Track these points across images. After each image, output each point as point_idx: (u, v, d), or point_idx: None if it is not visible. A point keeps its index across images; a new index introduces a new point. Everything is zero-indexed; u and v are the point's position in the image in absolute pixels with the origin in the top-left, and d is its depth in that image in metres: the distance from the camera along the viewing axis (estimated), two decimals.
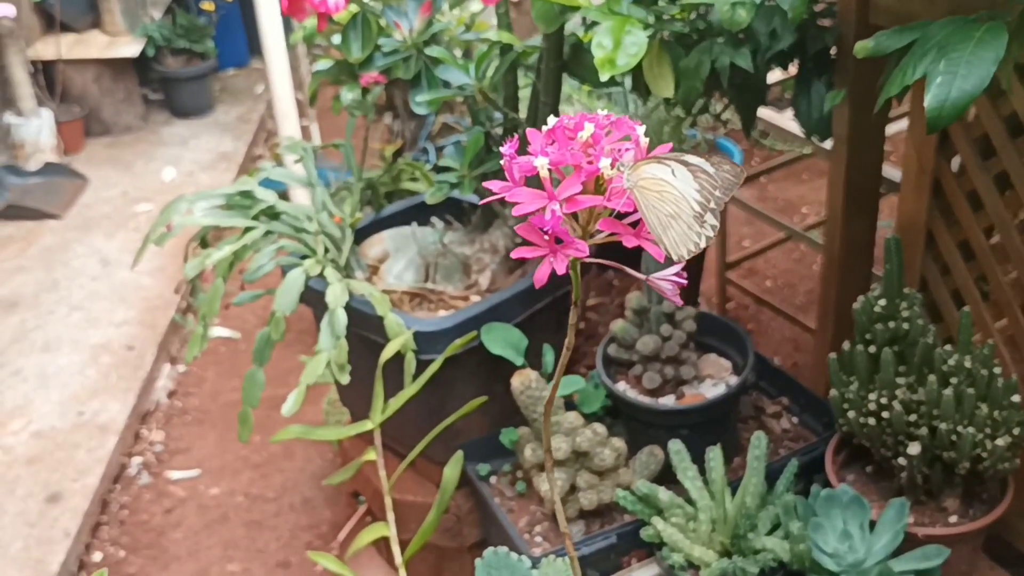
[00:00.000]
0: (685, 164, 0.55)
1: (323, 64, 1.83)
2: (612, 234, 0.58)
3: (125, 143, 3.65)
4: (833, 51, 1.45)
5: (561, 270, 0.54)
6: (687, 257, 0.57)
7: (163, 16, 3.77)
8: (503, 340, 1.46)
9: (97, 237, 3.08)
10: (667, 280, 0.58)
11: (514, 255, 0.54)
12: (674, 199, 0.55)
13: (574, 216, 0.58)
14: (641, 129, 0.57)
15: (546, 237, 0.55)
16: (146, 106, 3.81)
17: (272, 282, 1.62)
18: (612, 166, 0.55)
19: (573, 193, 0.54)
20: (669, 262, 0.58)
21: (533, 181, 0.56)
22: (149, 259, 2.88)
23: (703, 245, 0.57)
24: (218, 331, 2.76)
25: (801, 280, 2.62)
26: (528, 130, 0.57)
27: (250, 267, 1.44)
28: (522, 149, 0.57)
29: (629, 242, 0.57)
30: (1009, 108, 1.31)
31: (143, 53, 3.62)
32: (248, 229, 1.46)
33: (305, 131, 3.27)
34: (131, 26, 3.65)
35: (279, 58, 2.81)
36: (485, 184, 0.57)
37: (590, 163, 0.55)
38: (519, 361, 1.46)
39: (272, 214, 1.52)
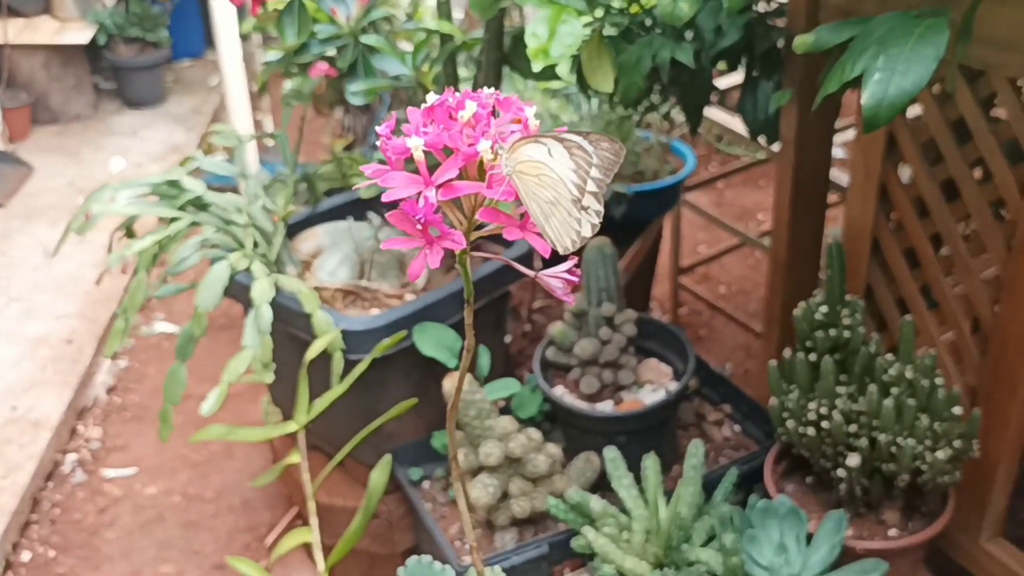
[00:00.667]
0: (561, 142, 0.50)
1: (274, 54, 1.77)
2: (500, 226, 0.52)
3: (73, 132, 3.56)
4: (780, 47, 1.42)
5: (435, 264, 0.49)
6: (571, 248, 0.52)
7: (116, 3, 3.69)
8: (436, 341, 1.41)
9: (40, 227, 3.00)
10: (557, 277, 0.53)
11: (384, 246, 0.49)
12: (552, 183, 0.50)
13: (459, 206, 0.53)
14: (531, 110, 0.52)
15: (420, 227, 0.50)
16: (97, 95, 3.72)
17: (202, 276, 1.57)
18: (492, 149, 0.50)
19: (450, 178, 0.49)
20: (560, 257, 0.53)
21: (414, 166, 0.51)
22: (93, 251, 2.81)
23: (585, 233, 0.51)
24: (160, 326, 2.69)
25: (755, 287, 2.59)
26: (409, 108, 0.52)
27: (173, 259, 1.38)
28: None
29: (512, 235, 0.52)
30: (956, 113, 1.28)
31: (94, 40, 3.53)
32: (173, 219, 1.40)
33: (258, 124, 3.21)
34: (82, 12, 3.56)
35: (231, 48, 2.75)
36: (361, 167, 0.52)
37: (470, 145, 0.50)
38: (452, 363, 1.41)
39: (200, 205, 1.46)
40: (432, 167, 0.51)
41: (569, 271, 0.54)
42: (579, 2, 1.18)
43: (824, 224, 1.58)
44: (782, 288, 1.58)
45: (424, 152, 0.50)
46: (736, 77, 2.15)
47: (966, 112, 1.26)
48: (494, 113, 0.52)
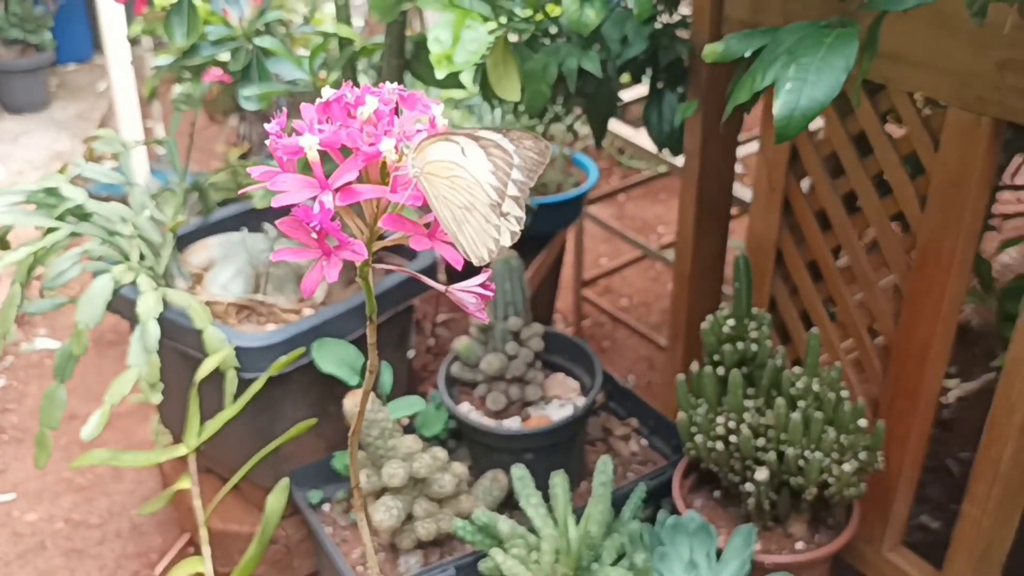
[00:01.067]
0: (476, 140, 0.45)
1: (164, 59, 1.69)
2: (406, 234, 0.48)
3: None
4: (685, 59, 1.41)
5: (333, 277, 0.44)
6: (487, 259, 0.47)
7: None
8: (336, 358, 1.35)
9: None
10: (470, 292, 0.49)
11: (274, 257, 0.44)
12: (467, 186, 0.45)
13: (359, 212, 0.48)
14: (438, 109, 0.48)
15: (315, 237, 0.45)
16: None
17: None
18: (396, 148, 0.46)
19: (349, 181, 0.44)
20: (474, 269, 0.48)
21: (307, 167, 0.46)
22: None
23: (505, 242, 0.47)
24: (42, 342, 2.55)
25: (656, 299, 2.60)
26: (303, 104, 0.47)
27: (50, 272, 1.29)
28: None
29: (419, 244, 0.47)
30: (857, 127, 1.29)
31: None
32: (50, 230, 1.31)
33: (149, 132, 3.09)
34: None
35: (120, 51, 2.64)
36: (248, 169, 0.47)
37: (371, 144, 0.45)
38: (353, 380, 1.35)
39: (81, 214, 1.37)
40: (330, 170, 0.46)
41: (483, 285, 0.49)
42: (484, 7, 1.14)
43: (727, 237, 1.58)
44: (687, 301, 1.57)
45: (320, 153, 0.46)
46: (639, 90, 2.15)
47: (867, 126, 1.27)
48: (397, 111, 0.48)
